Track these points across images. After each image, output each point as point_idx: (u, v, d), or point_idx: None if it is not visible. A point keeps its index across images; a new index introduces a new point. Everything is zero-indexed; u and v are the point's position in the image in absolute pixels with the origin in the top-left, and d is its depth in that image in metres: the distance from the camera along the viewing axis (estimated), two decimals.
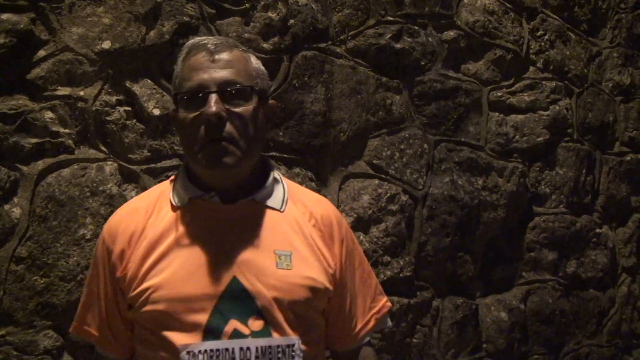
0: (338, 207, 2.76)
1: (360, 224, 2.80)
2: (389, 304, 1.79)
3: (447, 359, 3.09)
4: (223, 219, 1.57)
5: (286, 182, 1.71)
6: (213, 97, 1.49)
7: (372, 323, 1.73)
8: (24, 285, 2.09)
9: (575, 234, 3.70)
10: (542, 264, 3.54)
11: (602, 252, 3.85)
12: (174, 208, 1.59)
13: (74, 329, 1.66)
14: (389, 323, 1.84)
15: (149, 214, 1.60)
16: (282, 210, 1.63)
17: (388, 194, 2.89)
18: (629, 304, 4.03)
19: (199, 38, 1.60)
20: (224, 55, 1.54)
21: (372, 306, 1.75)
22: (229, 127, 1.50)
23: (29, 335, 2.09)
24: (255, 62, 1.61)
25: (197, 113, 1.50)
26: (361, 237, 2.80)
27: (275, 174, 1.68)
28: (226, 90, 1.50)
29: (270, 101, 1.65)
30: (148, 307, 1.50)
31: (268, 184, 1.63)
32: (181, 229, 1.55)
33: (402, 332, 2.90)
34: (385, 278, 2.84)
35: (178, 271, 1.51)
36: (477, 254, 3.23)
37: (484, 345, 3.25)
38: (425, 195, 3.04)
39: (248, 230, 1.58)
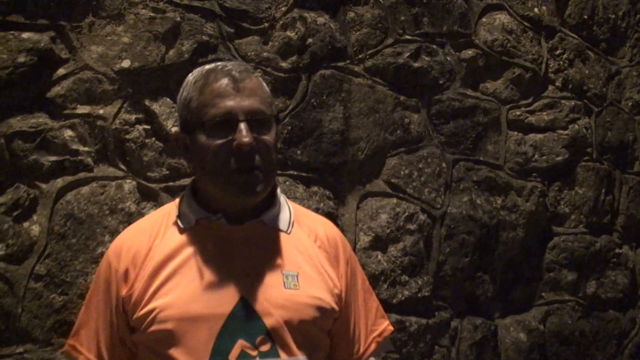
0: (356, 226, 2.75)
1: (378, 243, 2.79)
2: (390, 327, 1.79)
3: None
4: (230, 240, 1.58)
5: (291, 204, 1.72)
6: (243, 126, 1.49)
7: (373, 347, 1.73)
8: (42, 303, 2.09)
9: (595, 254, 3.66)
10: (562, 284, 3.50)
11: (622, 272, 3.81)
12: (180, 229, 1.60)
13: (69, 347, 1.64)
14: (391, 347, 1.83)
15: (154, 235, 1.61)
16: (288, 232, 1.64)
17: (406, 213, 2.88)
18: None
19: (214, 63, 1.62)
20: (247, 83, 1.55)
21: (373, 329, 1.75)
22: (257, 155, 1.52)
23: (46, 353, 2.08)
24: (266, 86, 1.64)
25: (224, 140, 1.50)
26: (379, 256, 2.78)
27: (282, 196, 1.69)
28: (253, 119, 1.51)
29: None
30: (155, 327, 1.50)
31: (275, 207, 1.64)
32: (188, 250, 1.56)
33: (421, 352, 2.87)
34: (403, 298, 2.82)
35: (185, 291, 1.51)
36: (496, 274, 3.21)
37: None
38: (444, 215, 3.02)
39: (255, 251, 1.58)
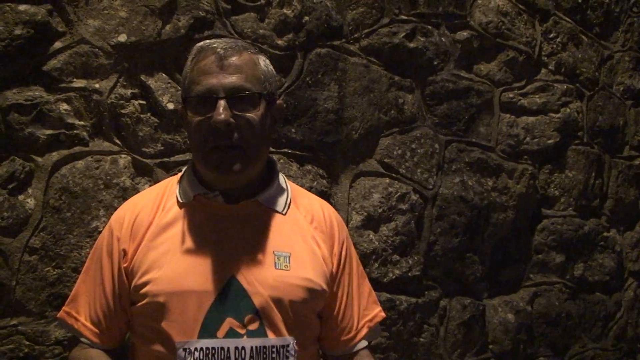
0: (348, 205, 2.77)
1: (370, 223, 2.81)
2: (382, 314, 1.81)
3: (454, 359, 3.09)
4: (225, 218, 1.59)
5: (290, 184, 1.73)
6: (221, 104, 1.49)
7: (364, 330, 1.74)
8: (37, 276, 2.10)
9: (583, 237, 3.70)
10: (550, 266, 3.54)
11: (609, 255, 3.85)
12: (179, 204, 1.61)
13: (64, 314, 1.64)
14: (380, 333, 1.84)
15: (155, 208, 1.62)
16: (284, 213, 1.65)
17: (398, 193, 2.90)
18: (634, 309, 4.03)
19: (209, 40, 1.61)
20: (233, 60, 1.54)
21: (366, 314, 1.76)
22: (237, 133, 1.51)
23: (40, 326, 2.10)
24: (264, 64, 1.61)
25: (204, 117, 1.51)
26: (371, 235, 2.80)
27: (280, 177, 1.69)
28: (235, 97, 1.51)
29: (278, 101, 1.66)
30: (147, 300, 1.52)
31: (272, 187, 1.65)
32: (184, 225, 1.58)
33: (410, 331, 2.91)
34: (393, 277, 2.85)
35: (179, 266, 1.52)
36: (485, 255, 3.23)
37: (490, 346, 3.25)
38: (435, 195, 3.04)
39: (249, 230, 1.60)
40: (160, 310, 1.50)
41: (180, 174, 1.69)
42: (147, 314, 1.52)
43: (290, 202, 1.67)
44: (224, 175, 1.53)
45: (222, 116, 1.48)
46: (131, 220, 1.60)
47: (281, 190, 1.68)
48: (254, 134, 1.53)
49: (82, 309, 1.63)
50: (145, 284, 1.52)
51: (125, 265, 1.57)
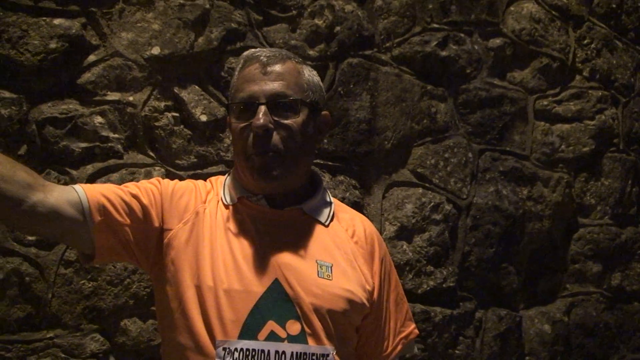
0: (381, 215, 2.75)
1: (403, 233, 2.78)
2: (416, 331, 1.79)
3: None
4: (269, 223, 1.59)
5: (333, 199, 1.73)
6: (262, 109, 1.52)
7: (399, 347, 1.73)
8: (72, 289, 2.11)
9: (620, 246, 3.63)
10: (587, 276, 3.48)
11: None
12: (224, 204, 1.61)
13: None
14: (415, 350, 1.83)
15: (199, 197, 1.62)
16: (326, 224, 1.65)
17: (432, 203, 2.87)
18: None
19: (254, 49, 1.64)
20: (276, 68, 1.56)
21: (402, 330, 1.74)
22: (276, 138, 1.53)
23: (76, 339, 2.10)
24: (308, 74, 1.63)
25: (246, 123, 1.54)
26: (404, 246, 2.78)
27: (326, 191, 1.71)
28: (275, 102, 1.53)
29: (324, 112, 1.66)
30: (190, 294, 1.50)
31: (316, 197, 1.66)
32: (230, 224, 1.58)
33: (445, 343, 2.87)
34: (428, 288, 2.82)
35: (224, 264, 1.52)
36: (521, 265, 3.19)
37: (527, 358, 3.20)
38: (469, 205, 3.01)
39: (292, 237, 1.59)
40: (202, 307, 1.48)
41: (224, 177, 1.69)
42: (189, 307, 1.50)
43: (333, 215, 1.67)
44: (264, 180, 1.54)
45: (261, 121, 1.50)
46: (176, 190, 1.60)
47: (325, 203, 1.68)
48: (294, 140, 1.54)
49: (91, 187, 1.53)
50: (187, 277, 1.51)
51: (166, 227, 1.54)
